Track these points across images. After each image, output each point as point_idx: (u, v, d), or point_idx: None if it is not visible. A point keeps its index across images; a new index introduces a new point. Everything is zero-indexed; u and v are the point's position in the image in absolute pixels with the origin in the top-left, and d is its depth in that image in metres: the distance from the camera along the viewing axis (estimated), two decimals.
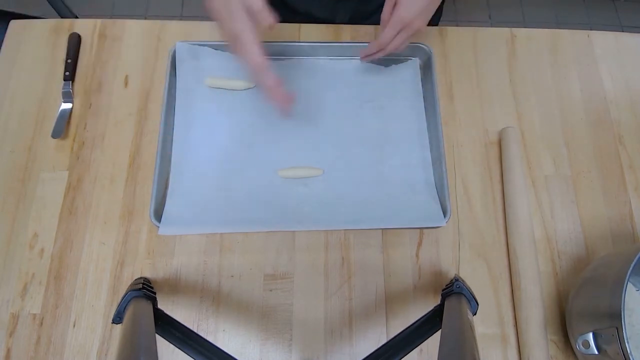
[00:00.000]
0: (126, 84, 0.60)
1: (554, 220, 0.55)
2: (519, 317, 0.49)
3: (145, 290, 0.42)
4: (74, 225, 0.53)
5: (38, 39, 0.62)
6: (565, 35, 0.66)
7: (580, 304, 0.46)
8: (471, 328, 0.36)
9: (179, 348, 0.38)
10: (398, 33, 0.49)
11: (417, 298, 0.51)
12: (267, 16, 0.41)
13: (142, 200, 0.54)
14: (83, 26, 0.63)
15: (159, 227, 0.49)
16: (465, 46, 0.64)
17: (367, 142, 0.57)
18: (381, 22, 0.50)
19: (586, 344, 0.41)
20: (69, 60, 0.59)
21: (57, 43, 0.61)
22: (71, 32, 0.62)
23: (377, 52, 0.53)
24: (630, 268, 0.40)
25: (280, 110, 0.48)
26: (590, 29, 0.67)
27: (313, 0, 0.68)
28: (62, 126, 0.56)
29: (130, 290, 0.41)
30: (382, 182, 0.55)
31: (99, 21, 0.63)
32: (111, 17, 0.69)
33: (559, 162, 0.58)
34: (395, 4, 0.48)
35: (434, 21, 0.78)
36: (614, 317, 0.39)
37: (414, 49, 0.61)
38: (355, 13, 0.70)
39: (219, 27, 0.44)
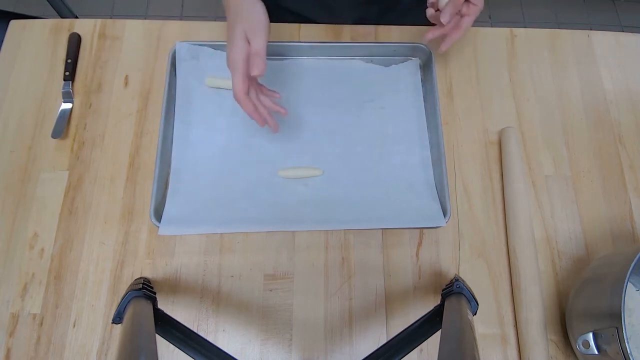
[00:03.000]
0: (126, 84, 0.60)
1: (554, 220, 0.55)
2: (519, 317, 0.49)
3: (145, 290, 0.42)
4: (74, 225, 0.53)
5: (38, 39, 0.62)
6: (565, 35, 0.66)
7: (580, 304, 0.46)
8: (471, 328, 0.36)
9: (179, 348, 0.38)
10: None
11: (417, 298, 0.51)
12: (259, 64, 0.42)
13: (142, 200, 0.54)
14: (83, 26, 0.63)
15: (159, 227, 0.49)
16: (465, 46, 0.64)
17: (367, 142, 0.57)
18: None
19: (586, 344, 0.41)
20: (69, 60, 0.59)
21: (57, 43, 0.61)
22: (71, 32, 0.62)
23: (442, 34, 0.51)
24: (630, 268, 0.40)
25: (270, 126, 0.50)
26: (590, 29, 0.67)
27: (314, 8, 0.68)
28: (62, 126, 0.56)
29: (130, 290, 0.41)
30: (382, 182, 0.55)
31: (99, 21, 0.63)
32: (111, 17, 0.69)
33: (559, 162, 0.58)
34: None
35: (427, 21, 0.77)
36: (614, 317, 0.39)
37: (414, 49, 0.61)
38: (357, 20, 0.70)
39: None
